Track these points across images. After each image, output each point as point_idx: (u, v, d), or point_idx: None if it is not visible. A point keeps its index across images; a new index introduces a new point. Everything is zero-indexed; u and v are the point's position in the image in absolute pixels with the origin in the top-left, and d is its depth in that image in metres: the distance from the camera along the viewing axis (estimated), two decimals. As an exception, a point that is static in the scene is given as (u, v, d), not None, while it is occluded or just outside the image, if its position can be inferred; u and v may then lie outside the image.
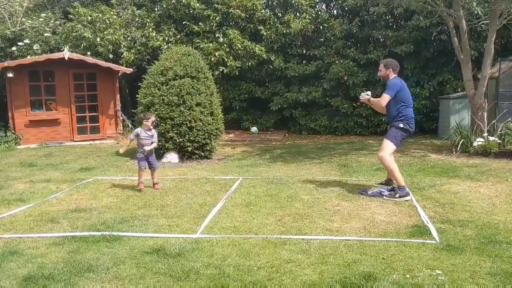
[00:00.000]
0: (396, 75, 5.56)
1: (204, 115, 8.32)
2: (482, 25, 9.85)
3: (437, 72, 12.03)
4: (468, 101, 9.66)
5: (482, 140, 8.31)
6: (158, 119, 8.11)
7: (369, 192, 5.62)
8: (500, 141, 8.33)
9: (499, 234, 4.10)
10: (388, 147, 5.47)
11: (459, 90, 11.50)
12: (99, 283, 3.22)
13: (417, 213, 4.81)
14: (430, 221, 4.50)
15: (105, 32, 12.58)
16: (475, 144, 8.31)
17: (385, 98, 5.42)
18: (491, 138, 8.31)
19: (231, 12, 12.69)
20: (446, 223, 4.44)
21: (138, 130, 6.16)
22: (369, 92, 5.72)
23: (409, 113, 5.49)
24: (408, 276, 3.25)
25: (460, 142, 8.53)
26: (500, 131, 8.57)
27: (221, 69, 12.63)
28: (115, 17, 13.05)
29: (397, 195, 5.30)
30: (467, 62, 9.14)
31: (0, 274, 3.39)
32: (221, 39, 12.63)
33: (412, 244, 3.86)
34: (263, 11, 12.87)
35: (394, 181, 5.84)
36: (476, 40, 11.33)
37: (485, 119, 8.87)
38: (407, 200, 5.25)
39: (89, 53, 12.60)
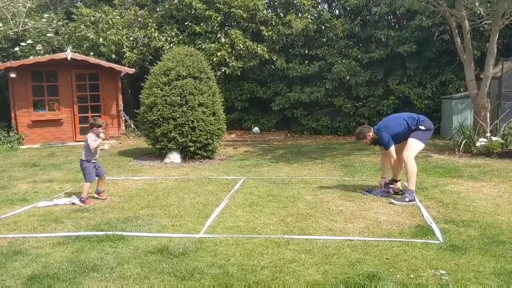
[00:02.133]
0: (372, 130, 5.60)
1: (207, 115, 8.33)
2: (485, 25, 9.82)
3: (440, 72, 12.02)
4: (470, 101, 9.64)
5: (485, 140, 8.31)
6: (161, 119, 8.17)
7: (373, 192, 5.62)
8: (503, 141, 8.31)
9: (503, 234, 4.10)
10: (416, 147, 5.40)
11: (461, 90, 11.49)
12: (103, 282, 3.23)
13: (420, 213, 4.81)
14: (433, 221, 4.50)
15: (108, 33, 12.59)
16: (477, 144, 8.31)
17: (391, 151, 5.44)
18: (494, 138, 8.30)
19: (233, 12, 12.70)
20: (449, 223, 4.43)
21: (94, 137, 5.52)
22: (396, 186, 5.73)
23: (421, 117, 5.54)
24: (412, 276, 3.26)
25: (463, 142, 8.52)
26: (503, 131, 8.55)
27: (223, 70, 12.64)
28: (118, 17, 13.07)
29: (406, 199, 5.19)
30: (470, 62, 9.12)
31: (5, 273, 3.40)
32: (223, 40, 12.64)
33: (415, 244, 3.86)
34: (265, 11, 12.87)
35: (397, 182, 5.82)
36: (478, 40, 11.31)
37: (488, 119, 8.86)
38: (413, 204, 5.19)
39: (91, 53, 12.63)
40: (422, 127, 5.45)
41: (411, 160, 5.34)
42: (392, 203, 5.21)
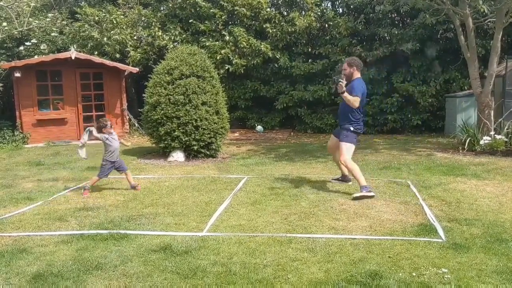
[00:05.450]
0: (359, 74, 5.65)
1: (210, 114, 8.35)
2: (489, 23, 9.78)
3: (444, 70, 11.98)
4: (474, 99, 9.62)
5: (489, 138, 8.28)
6: (165, 118, 8.20)
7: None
8: (506, 140, 8.29)
9: (506, 232, 4.10)
10: (348, 150, 5.61)
11: (465, 88, 11.46)
12: (107, 280, 3.25)
13: (423, 211, 4.80)
14: (436, 219, 4.49)
15: (112, 32, 12.64)
16: (481, 142, 8.28)
17: (357, 100, 5.47)
18: (497, 137, 8.27)
19: (237, 10, 12.71)
20: (452, 222, 4.43)
21: (105, 136, 6.00)
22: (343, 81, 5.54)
23: (360, 117, 5.66)
24: (414, 274, 3.26)
25: (467, 141, 8.50)
26: (507, 129, 8.52)
27: (226, 67, 12.66)
28: (121, 17, 13.11)
29: (364, 191, 5.34)
30: (474, 60, 9.09)
31: (10, 271, 3.43)
32: (226, 38, 12.66)
33: (418, 243, 3.86)
34: (268, 9, 12.88)
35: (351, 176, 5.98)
36: (482, 38, 11.27)
37: (492, 118, 8.83)
38: (372, 196, 5.30)
39: (96, 52, 12.68)
40: (351, 128, 5.59)
41: (350, 160, 5.57)
42: (354, 199, 5.29)
